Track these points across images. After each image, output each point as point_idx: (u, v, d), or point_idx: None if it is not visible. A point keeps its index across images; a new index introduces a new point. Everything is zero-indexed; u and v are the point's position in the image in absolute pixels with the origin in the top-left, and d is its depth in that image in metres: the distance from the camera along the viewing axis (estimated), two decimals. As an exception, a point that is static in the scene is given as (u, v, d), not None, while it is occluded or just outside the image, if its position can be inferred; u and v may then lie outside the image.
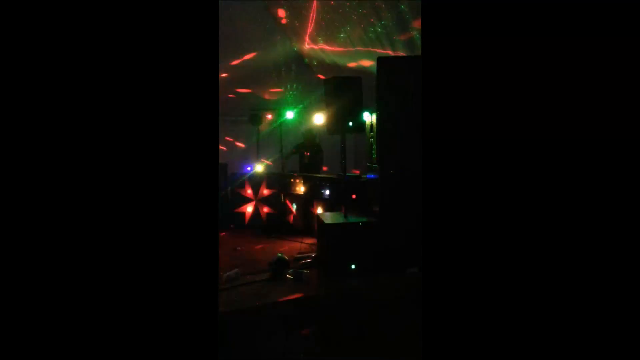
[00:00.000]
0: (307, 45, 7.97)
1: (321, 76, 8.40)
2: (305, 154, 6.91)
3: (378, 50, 7.03)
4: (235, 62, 8.18)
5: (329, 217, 4.27)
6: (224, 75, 8.26)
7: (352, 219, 4.07)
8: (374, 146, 4.13)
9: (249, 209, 6.48)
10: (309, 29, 7.65)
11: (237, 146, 8.60)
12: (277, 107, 7.79)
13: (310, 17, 7.27)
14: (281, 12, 7.65)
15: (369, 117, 4.36)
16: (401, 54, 6.61)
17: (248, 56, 8.18)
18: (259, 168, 6.76)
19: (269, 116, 7.73)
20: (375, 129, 4.08)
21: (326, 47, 7.86)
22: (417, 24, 5.99)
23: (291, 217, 6.16)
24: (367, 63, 7.55)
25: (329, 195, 5.52)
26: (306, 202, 5.91)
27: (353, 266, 3.85)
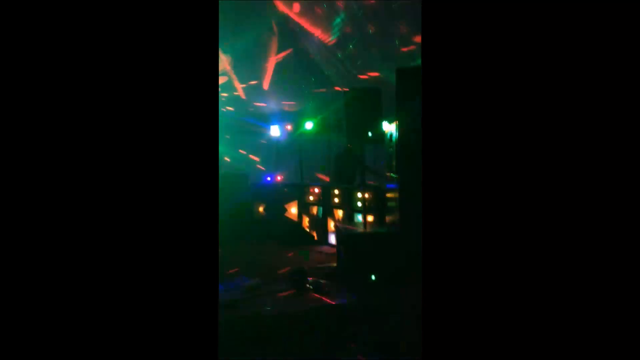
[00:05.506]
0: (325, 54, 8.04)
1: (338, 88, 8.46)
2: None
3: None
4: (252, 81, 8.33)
5: (347, 227, 4.26)
6: (242, 86, 8.39)
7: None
8: (394, 156, 4.12)
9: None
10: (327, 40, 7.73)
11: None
12: (297, 119, 7.83)
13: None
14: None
15: (388, 127, 4.35)
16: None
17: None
18: (279, 179, 6.78)
19: (289, 127, 7.78)
20: (395, 139, 4.07)
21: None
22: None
23: (310, 227, 6.16)
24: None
25: (348, 205, 5.51)
26: (325, 212, 5.91)
27: (373, 277, 3.83)
